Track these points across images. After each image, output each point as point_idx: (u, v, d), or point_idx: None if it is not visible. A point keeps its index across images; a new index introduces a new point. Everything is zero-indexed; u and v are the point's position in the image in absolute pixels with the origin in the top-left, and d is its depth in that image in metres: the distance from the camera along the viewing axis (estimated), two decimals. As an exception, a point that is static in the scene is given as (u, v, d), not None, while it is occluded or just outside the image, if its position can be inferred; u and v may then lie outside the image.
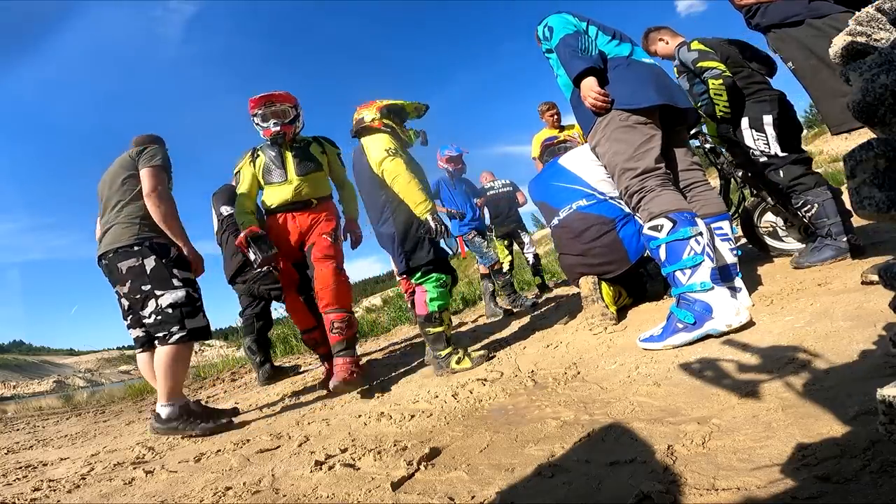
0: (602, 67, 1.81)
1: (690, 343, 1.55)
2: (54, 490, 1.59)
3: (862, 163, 0.56)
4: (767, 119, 2.24)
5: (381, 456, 1.23)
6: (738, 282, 1.81)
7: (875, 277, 1.49)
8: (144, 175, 2.10)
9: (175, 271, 2.11)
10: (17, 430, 3.59)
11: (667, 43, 2.59)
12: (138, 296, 2.09)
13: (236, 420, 2.18)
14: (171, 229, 2.11)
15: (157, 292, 2.06)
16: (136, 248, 2.08)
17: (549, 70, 2.11)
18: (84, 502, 1.41)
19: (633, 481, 0.84)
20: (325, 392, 2.52)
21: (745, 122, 2.29)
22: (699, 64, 2.34)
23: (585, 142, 3.92)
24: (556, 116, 4.13)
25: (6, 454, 2.50)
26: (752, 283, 2.06)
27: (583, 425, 1.17)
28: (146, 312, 2.08)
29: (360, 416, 1.77)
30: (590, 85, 1.77)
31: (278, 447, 1.60)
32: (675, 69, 2.62)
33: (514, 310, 3.99)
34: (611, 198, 2.32)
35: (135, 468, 1.68)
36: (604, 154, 1.86)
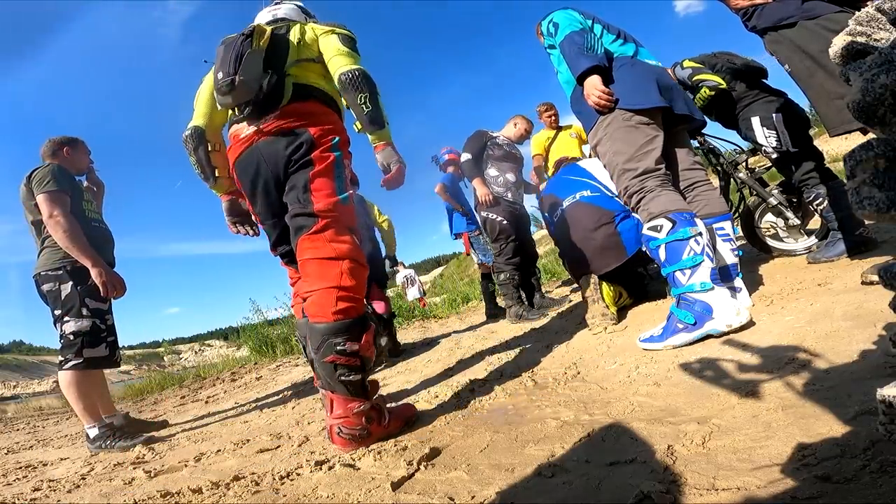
0: (607, 66, 1.81)
1: (690, 343, 1.55)
2: (54, 490, 1.59)
3: (862, 163, 0.55)
4: (777, 117, 2.32)
5: (381, 456, 1.23)
6: (739, 282, 1.81)
7: (875, 277, 1.49)
8: (39, 202, 2.11)
9: (87, 300, 2.14)
10: (17, 430, 3.59)
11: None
12: (54, 320, 2.17)
13: (163, 433, 2.29)
14: (74, 252, 2.09)
15: (65, 318, 2.12)
16: (56, 273, 2.14)
17: (548, 69, 2.11)
18: (84, 502, 1.41)
19: (633, 481, 0.84)
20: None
21: (755, 120, 2.38)
22: (695, 77, 2.48)
23: (586, 140, 3.94)
24: (553, 117, 4.16)
25: (6, 454, 2.51)
26: (752, 283, 2.06)
27: (583, 425, 1.17)
28: (58, 335, 2.16)
29: (360, 416, 1.77)
30: (594, 83, 1.77)
31: (278, 447, 1.60)
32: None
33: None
34: (616, 195, 2.35)
35: (135, 468, 1.68)
36: (604, 153, 1.86)
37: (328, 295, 1.35)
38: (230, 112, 1.56)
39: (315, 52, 1.57)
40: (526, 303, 3.42)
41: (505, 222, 3.22)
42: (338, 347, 1.32)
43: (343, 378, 1.33)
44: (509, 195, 3.33)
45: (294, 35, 1.56)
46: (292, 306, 1.69)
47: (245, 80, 1.41)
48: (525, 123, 3.58)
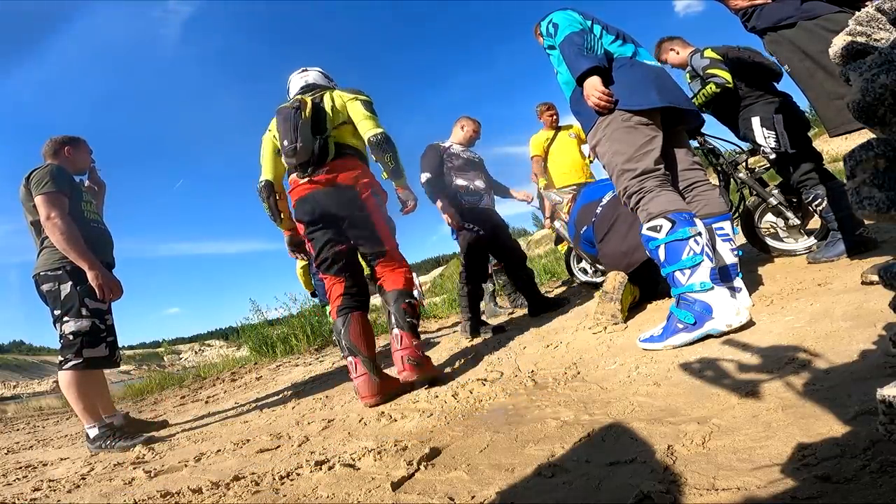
0: (606, 67, 1.81)
1: (690, 343, 1.55)
2: (54, 490, 1.59)
3: (862, 163, 0.55)
4: (777, 118, 2.32)
5: (381, 456, 1.23)
6: (738, 282, 1.81)
7: (875, 277, 1.49)
8: (37, 204, 2.11)
9: (86, 300, 2.14)
10: (17, 430, 3.59)
11: (677, 53, 2.71)
12: (53, 320, 2.18)
13: (163, 433, 2.30)
14: (71, 254, 2.09)
15: (65, 319, 2.13)
16: (55, 273, 2.14)
17: (548, 70, 2.11)
18: (84, 502, 1.41)
19: (633, 481, 0.84)
20: (325, 392, 2.52)
21: (755, 120, 2.38)
22: (708, 70, 2.45)
23: (585, 140, 3.93)
24: (554, 117, 4.13)
25: (6, 454, 2.51)
26: (752, 283, 2.06)
27: (583, 425, 1.17)
28: (58, 335, 2.17)
29: (359, 416, 1.78)
30: (594, 84, 1.77)
31: (278, 447, 1.60)
32: (686, 75, 2.67)
33: (514, 309, 3.99)
34: None
35: (135, 468, 1.69)
36: (604, 154, 1.85)
37: (400, 277, 2.14)
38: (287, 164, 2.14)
39: (345, 115, 2.13)
40: (527, 303, 3.38)
41: (481, 232, 3.12)
42: (407, 300, 2.07)
43: (409, 319, 2.04)
44: (483, 202, 3.24)
45: (328, 103, 2.11)
46: (330, 312, 2.20)
47: (303, 146, 1.98)
48: (472, 124, 3.39)
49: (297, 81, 2.30)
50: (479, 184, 3.26)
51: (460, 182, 3.19)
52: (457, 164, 3.23)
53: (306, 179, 2.03)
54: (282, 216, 2.23)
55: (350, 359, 1.97)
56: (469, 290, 3.14)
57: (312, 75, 2.32)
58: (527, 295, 3.37)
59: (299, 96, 2.10)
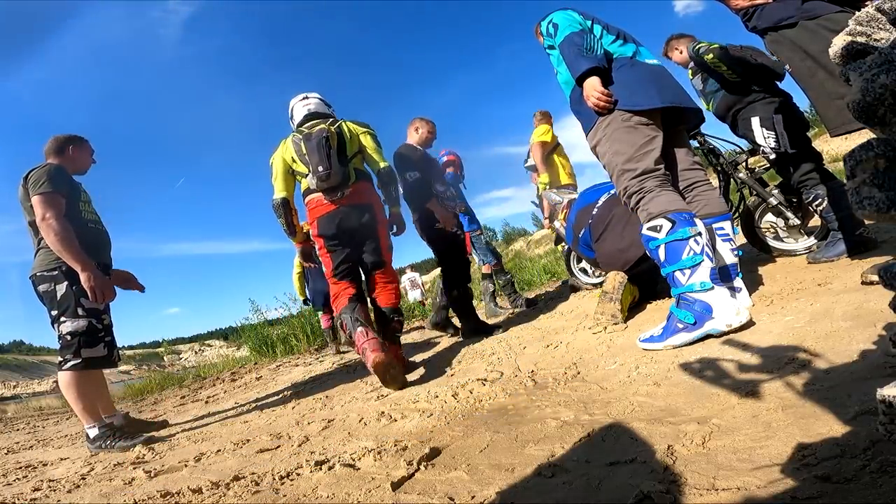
0: (606, 67, 1.81)
1: (690, 343, 1.55)
2: (54, 490, 1.59)
3: (862, 163, 0.55)
4: (777, 118, 2.32)
5: (381, 456, 1.23)
6: (738, 282, 1.81)
7: (875, 277, 1.49)
8: (34, 204, 2.10)
9: (82, 300, 2.14)
10: (17, 430, 3.59)
11: (681, 52, 2.70)
12: (51, 320, 2.17)
13: (163, 433, 2.31)
14: (65, 255, 2.08)
15: (61, 319, 2.12)
16: (52, 274, 2.14)
17: (548, 70, 2.11)
18: (84, 502, 1.41)
19: (633, 481, 0.84)
20: (325, 392, 2.53)
21: (755, 121, 2.38)
22: (694, 47, 2.46)
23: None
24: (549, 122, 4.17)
25: (6, 454, 2.51)
26: (752, 283, 2.06)
27: (583, 425, 1.17)
28: (56, 336, 2.17)
29: (359, 415, 1.78)
30: (593, 84, 1.77)
31: (278, 447, 1.60)
32: (689, 71, 2.66)
33: (514, 309, 3.99)
34: None
35: (135, 468, 1.68)
36: (603, 154, 1.85)
37: (393, 295, 2.52)
38: (297, 181, 2.46)
39: (357, 145, 2.46)
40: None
41: (460, 235, 3.15)
42: (398, 318, 2.49)
43: (397, 335, 2.51)
44: (456, 207, 3.27)
45: (346, 133, 2.40)
46: (333, 303, 2.44)
47: (336, 172, 2.25)
48: (427, 125, 3.26)
49: (300, 109, 2.51)
50: (453, 189, 3.36)
51: (439, 187, 3.19)
52: (435, 169, 3.26)
53: (331, 200, 2.33)
54: (296, 231, 2.48)
55: (359, 329, 2.20)
56: (459, 292, 3.13)
57: (314, 103, 2.54)
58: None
59: (322, 125, 2.33)
